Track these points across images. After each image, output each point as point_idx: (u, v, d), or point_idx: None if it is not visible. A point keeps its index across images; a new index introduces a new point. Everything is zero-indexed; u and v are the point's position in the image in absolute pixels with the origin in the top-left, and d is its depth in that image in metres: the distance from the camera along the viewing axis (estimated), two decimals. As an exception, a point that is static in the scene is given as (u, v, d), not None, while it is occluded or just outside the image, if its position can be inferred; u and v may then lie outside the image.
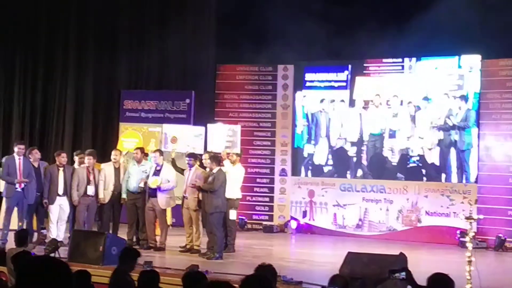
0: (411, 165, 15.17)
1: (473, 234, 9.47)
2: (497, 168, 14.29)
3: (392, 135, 15.25)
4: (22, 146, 12.32)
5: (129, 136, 13.95)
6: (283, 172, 16.37)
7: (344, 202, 15.57)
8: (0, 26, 17.36)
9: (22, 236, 9.21)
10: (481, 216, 10.43)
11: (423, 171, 15.04)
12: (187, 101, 16.26)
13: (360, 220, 15.41)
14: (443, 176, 14.83)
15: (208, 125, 13.50)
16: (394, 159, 15.31)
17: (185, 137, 13.13)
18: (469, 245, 8.82)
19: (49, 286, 2.96)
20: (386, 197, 15.19)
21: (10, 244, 10.82)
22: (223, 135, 13.08)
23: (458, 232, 13.94)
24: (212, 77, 16.75)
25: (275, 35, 15.29)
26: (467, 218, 8.97)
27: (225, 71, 16.84)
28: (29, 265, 3.05)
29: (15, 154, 12.12)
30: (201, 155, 12.49)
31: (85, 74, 17.74)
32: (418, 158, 15.07)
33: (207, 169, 11.87)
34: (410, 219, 14.97)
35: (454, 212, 14.34)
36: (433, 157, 14.92)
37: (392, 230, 15.08)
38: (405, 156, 15.19)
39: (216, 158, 11.96)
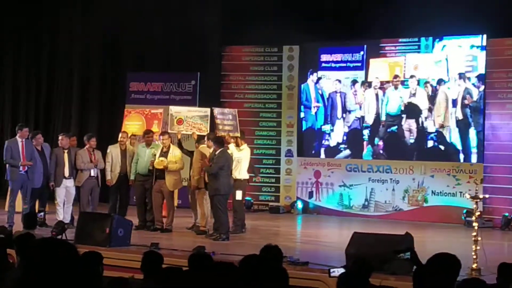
0: (429, 145, 15.06)
1: (479, 213, 9.50)
2: (503, 147, 14.24)
3: (410, 115, 15.14)
4: (26, 129, 12.33)
5: (132, 119, 13.93)
6: (289, 153, 16.36)
7: (350, 182, 15.56)
8: (6, 15, 17.47)
9: (30, 219, 9.26)
10: (487, 196, 10.42)
11: (441, 151, 14.89)
12: (193, 82, 16.23)
13: (366, 200, 15.41)
14: (462, 156, 14.69)
15: (213, 108, 13.34)
16: (412, 140, 15.20)
17: (191, 118, 13.09)
18: (475, 225, 8.84)
19: (57, 268, 2.98)
20: (392, 177, 15.16)
21: (17, 226, 10.90)
22: (225, 119, 12.96)
23: (464, 211, 13.94)
24: (218, 58, 16.67)
25: (281, 15, 15.15)
26: (472, 197, 8.97)
27: (231, 52, 16.78)
28: (36, 247, 3.06)
29: (17, 137, 12.11)
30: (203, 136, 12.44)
31: (90, 57, 17.77)
32: (436, 138, 14.94)
33: (211, 150, 11.82)
34: (416, 199, 14.96)
35: (460, 192, 14.30)
36: (452, 137, 14.75)
37: (398, 210, 15.08)
38: (423, 136, 15.09)
39: (218, 139, 11.87)
